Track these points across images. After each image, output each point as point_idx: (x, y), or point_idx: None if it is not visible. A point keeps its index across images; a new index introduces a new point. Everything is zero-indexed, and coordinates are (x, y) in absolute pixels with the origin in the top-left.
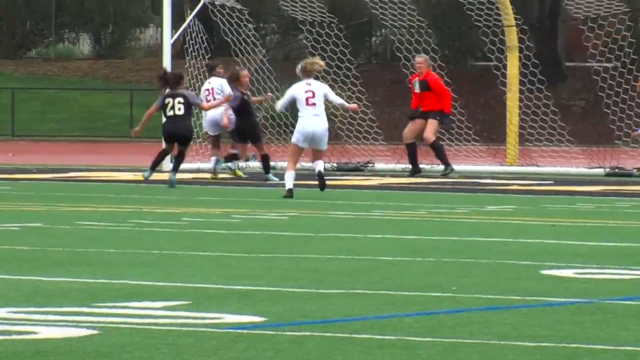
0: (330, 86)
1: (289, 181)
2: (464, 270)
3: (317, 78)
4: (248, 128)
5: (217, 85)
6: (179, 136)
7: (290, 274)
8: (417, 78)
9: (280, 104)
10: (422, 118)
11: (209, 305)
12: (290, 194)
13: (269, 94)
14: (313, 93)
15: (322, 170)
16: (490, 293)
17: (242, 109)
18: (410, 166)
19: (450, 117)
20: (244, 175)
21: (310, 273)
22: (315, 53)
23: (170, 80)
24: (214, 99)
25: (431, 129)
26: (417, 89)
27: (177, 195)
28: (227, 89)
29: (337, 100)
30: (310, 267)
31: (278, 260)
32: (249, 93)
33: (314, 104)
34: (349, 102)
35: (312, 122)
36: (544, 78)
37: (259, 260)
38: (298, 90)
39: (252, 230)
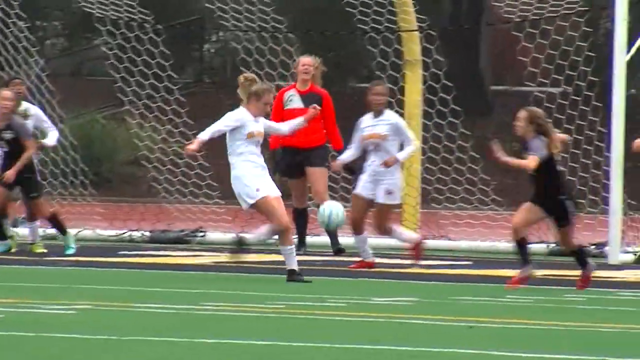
0: (142, 115)
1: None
2: None
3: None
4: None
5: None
6: None
7: None
8: (293, 90)
9: None
10: (304, 161)
11: None
12: None
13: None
14: None
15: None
16: None
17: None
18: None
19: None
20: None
21: None
22: (119, 66)
23: None
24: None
25: (324, 183)
26: (296, 103)
27: None
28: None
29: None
30: None
31: None
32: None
33: None
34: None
35: None
36: (459, 108)
37: None
38: None
39: (20, 330)
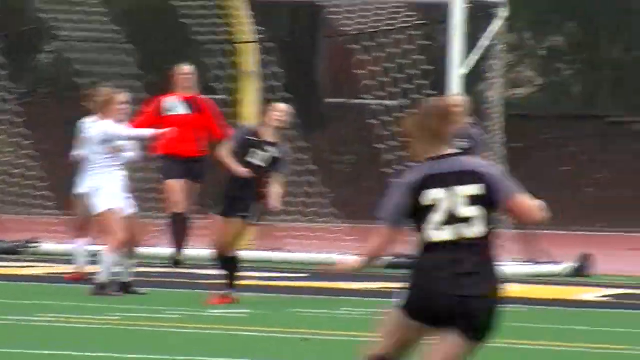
0: None
1: None
2: None
3: None
4: None
5: None
6: None
7: None
8: (174, 97)
9: None
10: (185, 170)
11: None
12: None
13: None
14: None
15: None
16: None
17: None
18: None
19: None
20: None
21: None
22: None
23: None
24: None
25: (193, 198)
26: (179, 110)
27: None
28: None
29: None
30: None
31: None
32: None
33: None
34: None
35: None
36: (297, 120)
37: None
38: None
39: None
